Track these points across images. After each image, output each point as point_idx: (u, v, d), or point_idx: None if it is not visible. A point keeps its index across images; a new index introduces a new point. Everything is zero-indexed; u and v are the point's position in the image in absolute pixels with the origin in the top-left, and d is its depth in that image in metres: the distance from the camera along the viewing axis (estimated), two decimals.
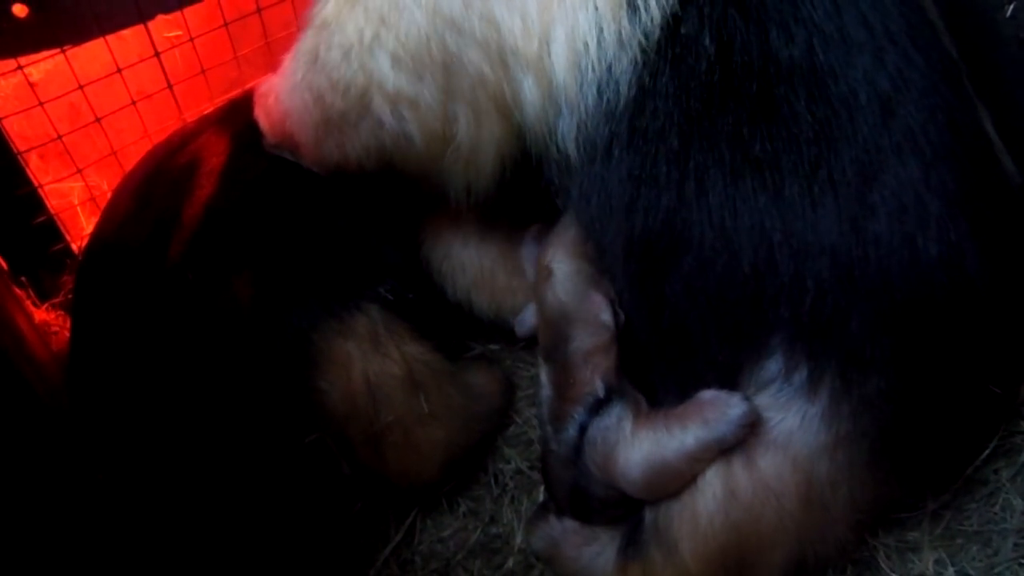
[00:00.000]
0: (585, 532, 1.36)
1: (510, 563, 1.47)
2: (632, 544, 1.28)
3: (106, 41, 1.68)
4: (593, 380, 1.28)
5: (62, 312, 1.75)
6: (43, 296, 1.78)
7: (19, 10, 1.53)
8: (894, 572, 1.32)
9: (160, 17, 1.74)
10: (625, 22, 1.19)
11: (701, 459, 1.17)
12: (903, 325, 1.09)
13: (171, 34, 1.81)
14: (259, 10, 1.88)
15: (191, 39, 1.79)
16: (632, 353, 1.32)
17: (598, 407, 1.27)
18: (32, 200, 1.71)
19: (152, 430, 1.35)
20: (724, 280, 1.15)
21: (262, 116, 1.56)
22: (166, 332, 1.37)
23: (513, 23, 1.24)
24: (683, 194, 1.16)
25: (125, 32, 1.71)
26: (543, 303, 1.34)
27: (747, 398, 1.15)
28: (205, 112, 1.84)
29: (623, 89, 1.21)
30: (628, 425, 1.23)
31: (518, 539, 1.49)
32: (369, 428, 1.38)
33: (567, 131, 1.28)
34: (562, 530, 1.38)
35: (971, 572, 1.30)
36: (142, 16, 1.67)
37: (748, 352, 1.17)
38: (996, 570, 1.29)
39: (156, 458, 1.35)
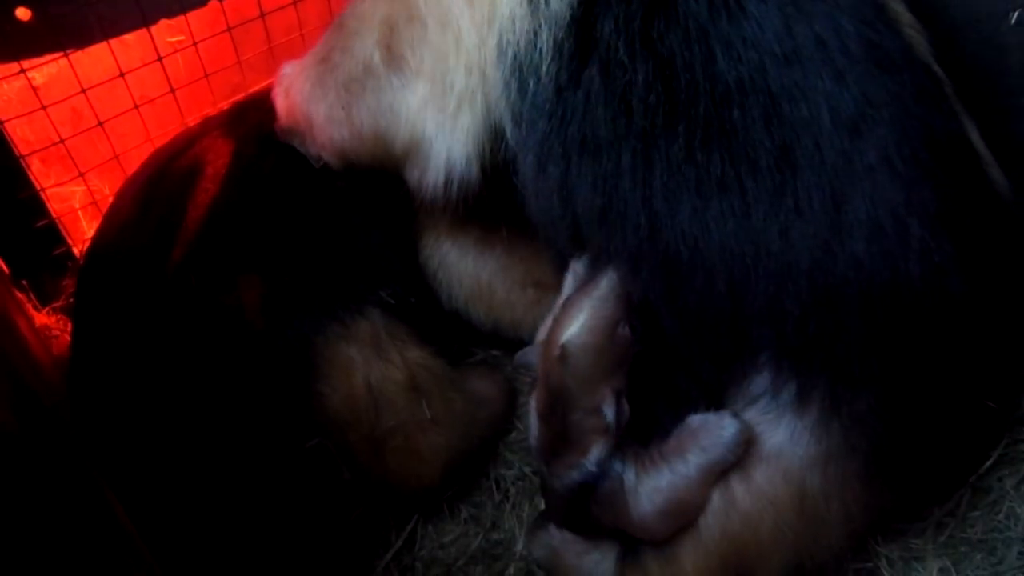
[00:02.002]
0: (586, 541, 1.35)
1: (511, 570, 1.46)
2: (631, 553, 1.27)
3: (109, 45, 1.68)
4: (588, 452, 1.22)
5: (63, 316, 1.75)
6: (44, 300, 1.78)
7: (22, 13, 1.54)
8: None
9: (163, 22, 1.75)
10: (526, 4, 1.22)
11: (708, 483, 1.16)
12: (890, 345, 1.08)
13: (174, 39, 1.81)
14: (262, 15, 1.88)
15: (194, 44, 1.80)
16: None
17: (593, 474, 1.23)
18: (34, 204, 1.71)
19: (153, 434, 1.35)
20: (704, 298, 1.14)
21: (280, 97, 1.56)
22: (168, 336, 1.37)
23: None
24: (654, 212, 1.15)
25: (128, 36, 1.72)
26: (548, 376, 1.24)
27: (736, 415, 1.14)
28: (208, 115, 1.84)
29: (544, 79, 1.21)
30: (632, 476, 1.21)
31: (519, 546, 1.48)
32: (370, 433, 1.38)
33: (500, 93, 1.29)
34: (562, 539, 1.38)
35: None
36: (145, 20, 1.67)
37: (734, 368, 1.16)
38: None
39: (157, 462, 1.35)
